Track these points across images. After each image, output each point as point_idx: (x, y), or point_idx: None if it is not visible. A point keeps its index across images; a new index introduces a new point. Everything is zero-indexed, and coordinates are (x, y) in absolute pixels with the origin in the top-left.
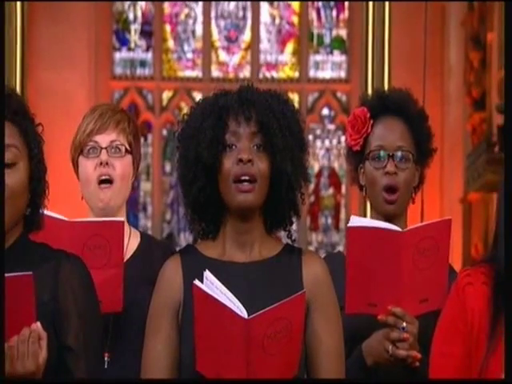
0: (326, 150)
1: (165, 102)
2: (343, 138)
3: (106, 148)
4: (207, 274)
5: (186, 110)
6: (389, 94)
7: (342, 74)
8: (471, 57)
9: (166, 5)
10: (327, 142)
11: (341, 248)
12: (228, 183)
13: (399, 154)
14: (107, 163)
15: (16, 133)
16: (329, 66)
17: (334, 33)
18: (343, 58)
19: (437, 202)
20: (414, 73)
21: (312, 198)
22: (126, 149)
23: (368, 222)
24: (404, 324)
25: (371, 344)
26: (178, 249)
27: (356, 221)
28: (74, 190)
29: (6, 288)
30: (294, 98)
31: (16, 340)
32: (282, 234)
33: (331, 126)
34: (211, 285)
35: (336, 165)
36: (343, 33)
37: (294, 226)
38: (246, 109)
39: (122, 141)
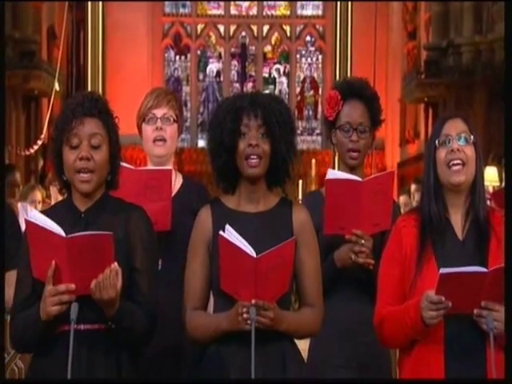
0: (308, 65)
1: (199, 32)
2: (320, 57)
3: (160, 118)
4: (227, 226)
5: (213, 37)
6: (353, 81)
7: (320, 13)
8: (407, 3)
9: None
10: (309, 59)
11: (318, 130)
12: (242, 160)
13: (360, 127)
14: (161, 128)
15: (101, 125)
16: (310, 7)
17: None
18: (320, 1)
19: (383, 102)
20: (368, 12)
21: (298, 98)
22: (174, 119)
23: (340, 174)
24: (363, 241)
25: (340, 254)
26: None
27: (332, 174)
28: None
29: (93, 241)
30: (287, 29)
31: (102, 277)
32: None
33: (312, 48)
34: (230, 234)
35: (315, 74)
36: None
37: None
38: (255, 109)
39: (171, 113)
